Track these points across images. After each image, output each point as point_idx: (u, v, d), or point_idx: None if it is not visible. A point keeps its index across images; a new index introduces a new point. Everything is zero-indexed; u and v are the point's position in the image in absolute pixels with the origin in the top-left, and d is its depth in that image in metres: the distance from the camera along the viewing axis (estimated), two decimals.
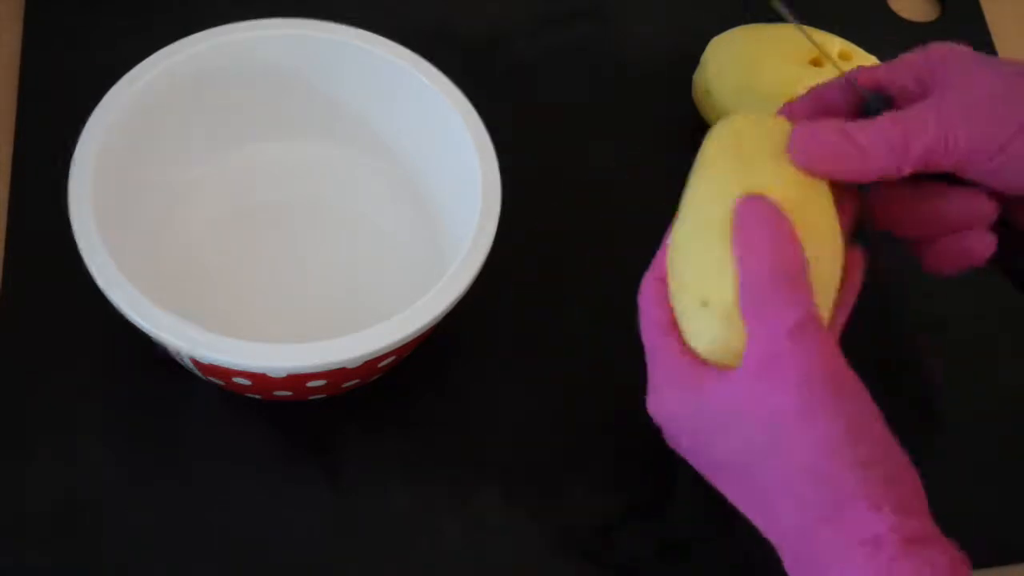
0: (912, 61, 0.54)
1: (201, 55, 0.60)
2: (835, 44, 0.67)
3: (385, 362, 0.56)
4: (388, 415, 0.60)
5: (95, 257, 0.53)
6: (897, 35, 0.75)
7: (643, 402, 0.53)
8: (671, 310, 0.52)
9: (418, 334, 0.54)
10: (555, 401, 0.61)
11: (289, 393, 0.57)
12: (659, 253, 0.54)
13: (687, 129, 0.70)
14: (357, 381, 0.57)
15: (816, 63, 0.66)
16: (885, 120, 0.51)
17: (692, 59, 0.69)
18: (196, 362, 0.55)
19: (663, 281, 0.53)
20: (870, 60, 0.67)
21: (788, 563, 0.49)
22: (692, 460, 0.53)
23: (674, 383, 0.51)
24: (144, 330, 0.53)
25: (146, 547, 0.56)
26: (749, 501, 0.51)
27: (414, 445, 0.60)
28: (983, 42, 0.75)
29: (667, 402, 0.52)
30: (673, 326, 0.52)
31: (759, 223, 0.50)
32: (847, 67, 0.65)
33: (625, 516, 0.59)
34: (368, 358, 0.54)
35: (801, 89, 0.56)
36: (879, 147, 0.51)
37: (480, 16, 0.73)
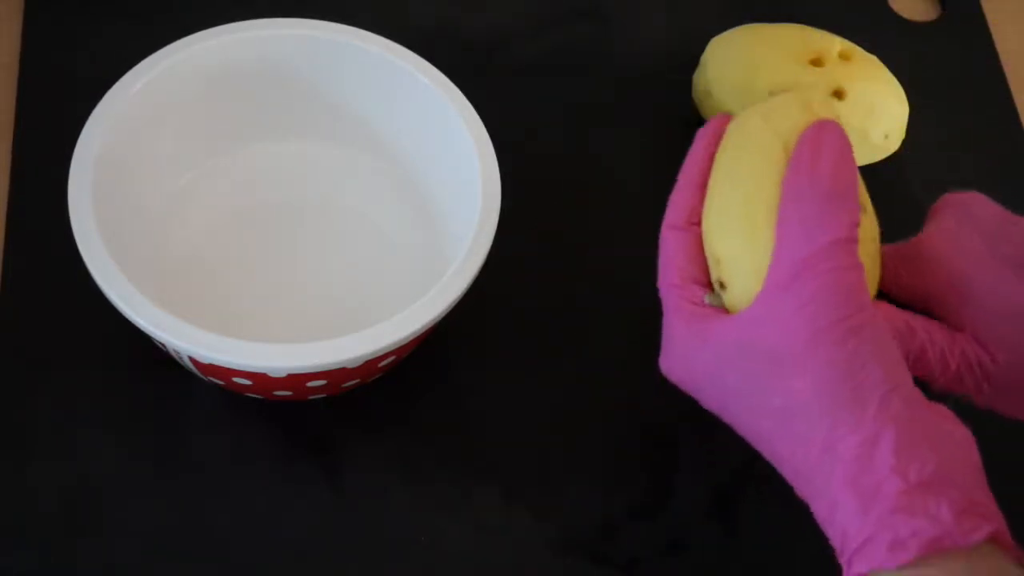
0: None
1: (201, 55, 0.60)
2: (835, 44, 0.67)
3: (385, 362, 0.56)
4: (388, 415, 0.60)
5: (95, 257, 0.53)
6: (897, 35, 0.75)
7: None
8: (688, 262, 0.51)
9: (418, 334, 0.54)
10: (555, 401, 0.61)
11: (289, 393, 0.57)
12: (673, 198, 0.52)
13: (687, 129, 0.70)
14: (357, 381, 0.57)
15: (816, 63, 0.66)
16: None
17: (692, 59, 0.69)
18: (196, 362, 0.55)
19: (677, 229, 0.52)
20: (870, 60, 0.67)
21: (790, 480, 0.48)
22: (702, 400, 0.51)
23: (686, 325, 0.50)
24: (144, 330, 0.53)
25: (146, 547, 0.56)
26: (752, 434, 0.49)
27: (414, 445, 0.60)
28: (983, 42, 0.75)
29: (679, 343, 0.50)
30: (688, 278, 0.51)
31: (826, 141, 0.48)
32: (847, 67, 0.65)
33: (625, 516, 0.59)
34: (368, 358, 0.54)
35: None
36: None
37: (480, 16, 0.73)
